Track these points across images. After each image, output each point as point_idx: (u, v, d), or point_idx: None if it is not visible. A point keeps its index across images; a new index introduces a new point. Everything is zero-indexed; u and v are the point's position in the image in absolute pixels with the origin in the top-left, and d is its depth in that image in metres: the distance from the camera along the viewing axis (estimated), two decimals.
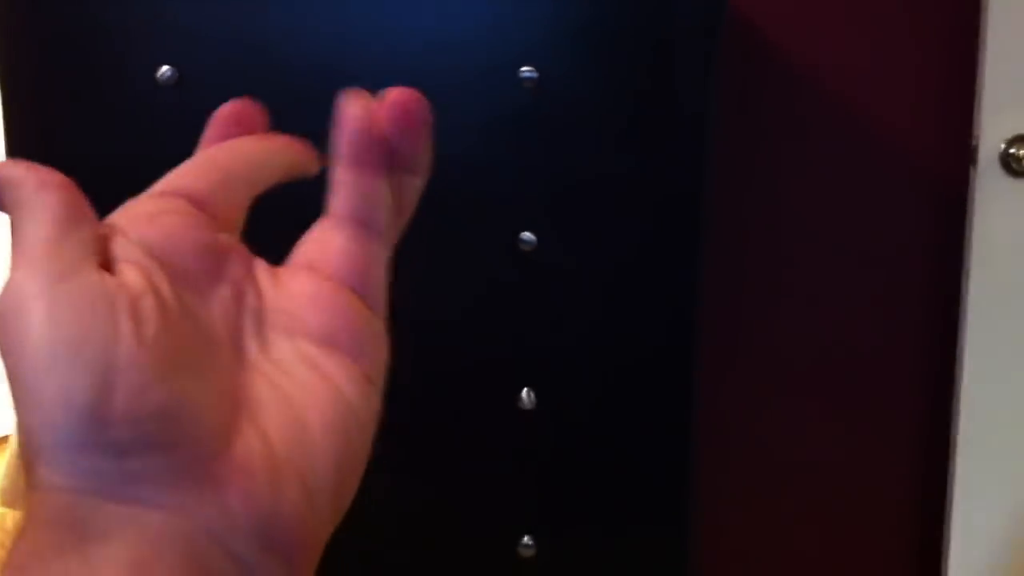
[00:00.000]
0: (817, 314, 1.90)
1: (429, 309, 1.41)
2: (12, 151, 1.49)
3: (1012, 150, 1.76)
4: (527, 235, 1.42)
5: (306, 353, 0.32)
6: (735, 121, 1.81)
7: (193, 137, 1.41)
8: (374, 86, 1.39)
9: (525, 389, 1.47)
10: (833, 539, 1.98)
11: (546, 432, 1.50)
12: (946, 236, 1.84)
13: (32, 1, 1.43)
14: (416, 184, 0.37)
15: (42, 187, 0.30)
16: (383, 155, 0.34)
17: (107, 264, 0.30)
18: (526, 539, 1.51)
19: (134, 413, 0.26)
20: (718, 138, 1.71)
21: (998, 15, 1.72)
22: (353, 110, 0.34)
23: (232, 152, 0.37)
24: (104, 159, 1.48)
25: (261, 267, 0.34)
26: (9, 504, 2.64)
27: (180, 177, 0.35)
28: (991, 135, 1.76)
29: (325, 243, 0.34)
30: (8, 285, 0.28)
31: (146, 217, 0.32)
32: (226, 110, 0.39)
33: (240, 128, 0.38)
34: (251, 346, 0.32)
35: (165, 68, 1.40)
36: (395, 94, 0.34)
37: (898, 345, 1.91)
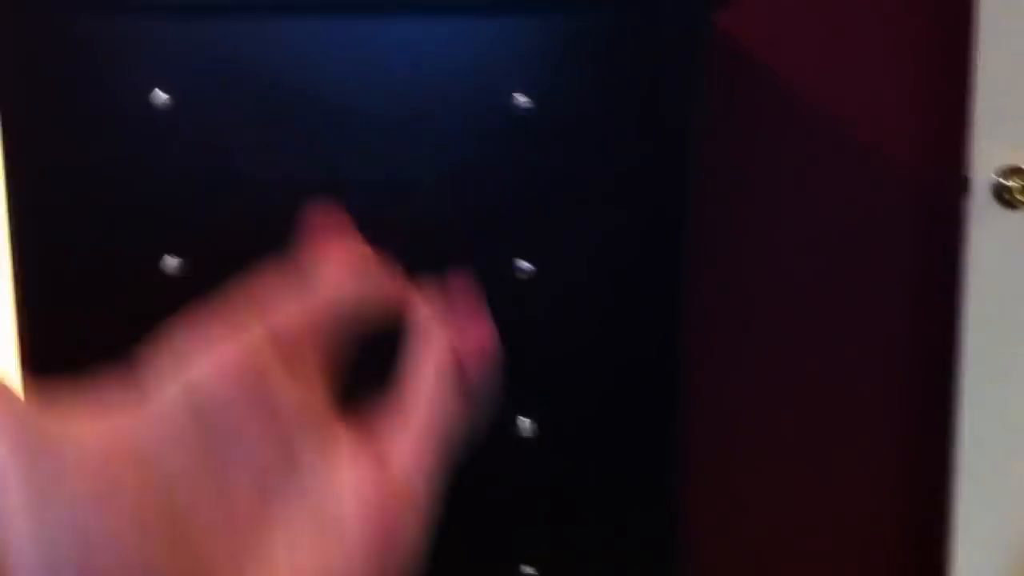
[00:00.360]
0: (811, 338, 1.90)
1: None
2: (8, 175, 1.49)
3: (1005, 181, 1.77)
4: (523, 263, 1.42)
5: (327, 522, 0.33)
6: (722, 142, 1.82)
7: (185, 160, 1.42)
8: (366, 111, 1.40)
9: (522, 417, 1.47)
10: (836, 561, 1.98)
11: (545, 459, 1.50)
12: (943, 263, 1.85)
13: (26, 26, 1.44)
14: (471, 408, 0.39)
15: None
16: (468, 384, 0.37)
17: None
18: (525, 568, 1.50)
19: None
20: (705, 158, 1.72)
21: (990, 49, 1.73)
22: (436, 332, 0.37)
23: (323, 305, 0.38)
24: (98, 182, 1.48)
25: (323, 439, 0.35)
26: None
27: (274, 323, 0.36)
28: (984, 167, 1.78)
29: (394, 442, 0.36)
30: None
31: (220, 365, 0.34)
32: (318, 222, 0.40)
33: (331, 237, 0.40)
34: (273, 511, 0.33)
35: (158, 92, 1.40)
36: (478, 342, 0.37)
37: (896, 367, 1.91)
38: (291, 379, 0.35)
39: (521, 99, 1.39)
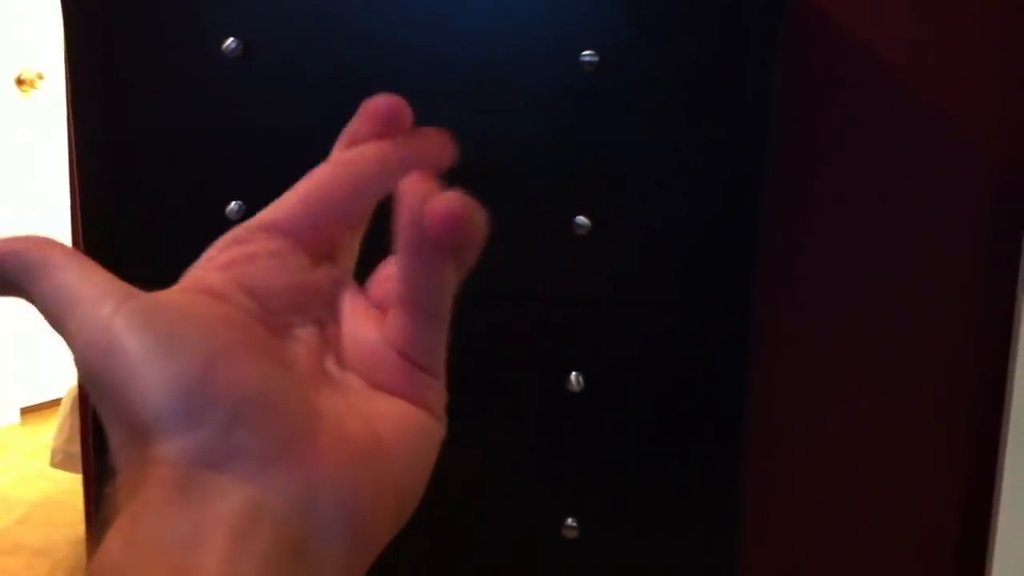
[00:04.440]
0: (873, 301, 1.88)
1: (482, 289, 1.42)
2: (79, 123, 1.51)
3: None
4: (581, 219, 1.42)
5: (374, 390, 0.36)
6: (799, 104, 1.79)
7: (257, 108, 1.44)
8: (437, 63, 1.40)
9: (574, 373, 1.47)
10: (877, 531, 1.97)
11: (593, 415, 1.50)
12: (1010, 230, 1.81)
13: None
14: (465, 263, 0.37)
15: (45, 246, 0.33)
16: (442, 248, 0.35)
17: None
18: (570, 521, 1.51)
19: (233, 394, 0.30)
20: (781, 122, 1.69)
21: None
22: (408, 201, 0.34)
23: (329, 184, 0.39)
24: (170, 129, 1.50)
25: (348, 303, 0.38)
26: (59, 465, 2.69)
27: (277, 212, 0.38)
28: None
29: (392, 319, 0.36)
30: (82, 323, 0.31)
31: (246, 257, 0.36)
32: (376, 106, 0.40)
33: (387, 128, 0.40)
34: (332, 374, 0.35)
35: (231, 40, 1.41)
36: (439, 205, 0.34)
37: (953, 342, 1.88)
38: (291, 256, 0.37)
39: (592, 58, 1.38)
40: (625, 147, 1.44)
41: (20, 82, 3.66)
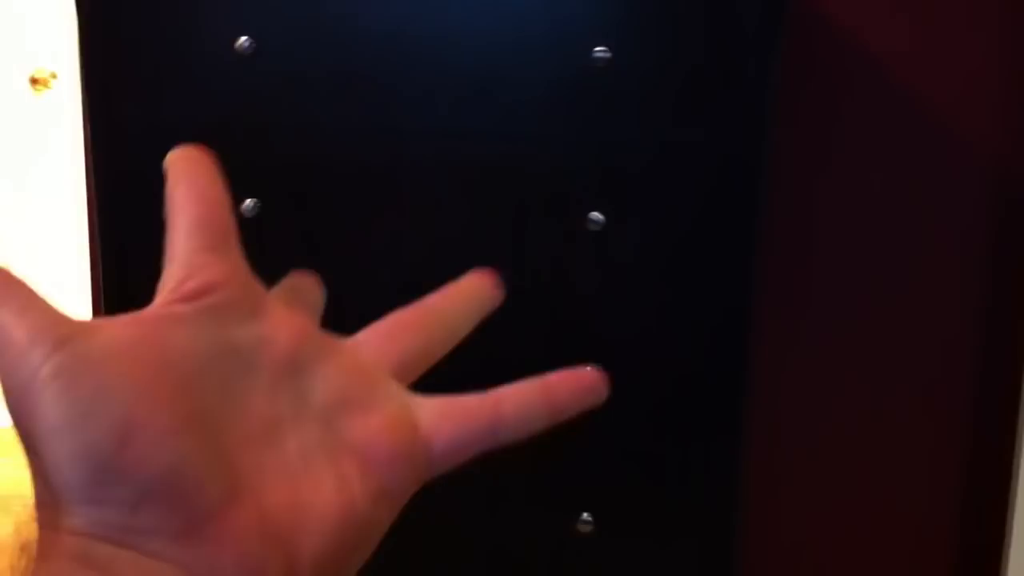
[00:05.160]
0: (873, 301, 1.87)
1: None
2: (92, 123, 1.51)
3: None
4: (595, 215, 1.42)
5: (335, 450, 0.34)
6: (799, 104, 1.79)
7: (269, 107, 1.45)
8: (447, 59, 1.40)
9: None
10: (878, 531, 1.96)
11: (607, 407, 1.50)
12: (1009, 232, 1.81)
13: None
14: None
15: None
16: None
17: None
18: (585, 515, 1.51)
19: (144, 471, 0.29)
20: (781, 122, 1.69)
21: None
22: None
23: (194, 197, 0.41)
24: (182, 129, 1.50)
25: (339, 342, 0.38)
26: None
27: (189, 239, 0.39)
28: None
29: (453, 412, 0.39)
30: (9, 371, 0.30)
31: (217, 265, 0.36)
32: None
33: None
34: (288, 420, 0.34)
35: (243, 39, 1.42)
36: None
37: (954, 342, 1.87)
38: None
39: (604, 54, 1.38)
40: (624, 146, 1.44)
41: (34, 81, 3.67)
